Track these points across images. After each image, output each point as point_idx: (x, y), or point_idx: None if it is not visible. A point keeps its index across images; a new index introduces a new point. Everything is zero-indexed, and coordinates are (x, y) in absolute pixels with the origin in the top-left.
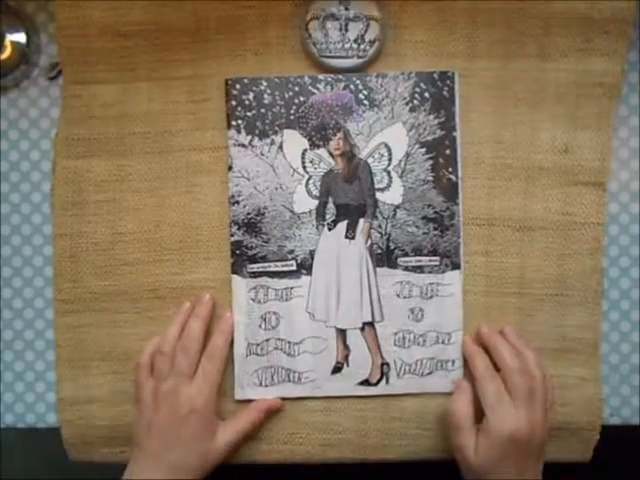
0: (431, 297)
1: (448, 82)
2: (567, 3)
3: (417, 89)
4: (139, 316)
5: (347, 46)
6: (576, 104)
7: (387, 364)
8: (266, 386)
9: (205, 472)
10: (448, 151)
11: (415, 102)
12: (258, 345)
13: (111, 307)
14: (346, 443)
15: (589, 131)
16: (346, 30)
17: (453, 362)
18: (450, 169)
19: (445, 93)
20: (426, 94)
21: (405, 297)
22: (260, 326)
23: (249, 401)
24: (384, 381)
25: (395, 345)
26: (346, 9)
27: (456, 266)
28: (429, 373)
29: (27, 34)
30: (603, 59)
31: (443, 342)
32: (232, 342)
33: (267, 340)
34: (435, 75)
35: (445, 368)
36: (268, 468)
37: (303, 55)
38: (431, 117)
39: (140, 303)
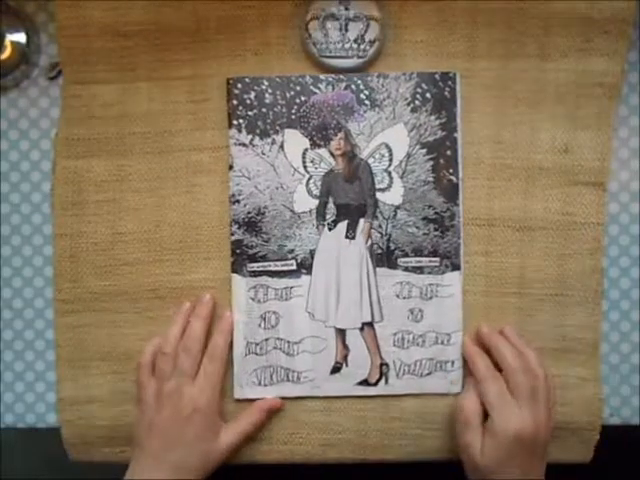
0: (431, 298)
1: (449, 83)
2: (567, 3)
3: (419, 89)
4: (139, 316)
5: (347, 46)
6: (576, 104)
7: (386, 364)
8: (265, 385)
9: (206, 473)
10: (449, 152)
11: (416, 103)
12: (257, 344)
13: (111, 307)
14: (346, 443)
15: (589, 131)
16: (346, 30)
17: (452, 363)
18: (451, 170)
19: (447, 94)
20: (427, 95)
21: (405, 297)
22: (259, 325)
23: (248, 400)
24: (383, 381)
25: (394, 345)
26: (346, 9)
27: (456, 267)
28: (428, 374)
29: (27, 34)
30: (603, 59)
31: (442, 343)
32: (232, 341)
33: (266, 339)
34: (437, 76)
35: (444, 369)
36: (268, 468)
37: (303, 55)
38: (432, 118)
39: (140, 303)
